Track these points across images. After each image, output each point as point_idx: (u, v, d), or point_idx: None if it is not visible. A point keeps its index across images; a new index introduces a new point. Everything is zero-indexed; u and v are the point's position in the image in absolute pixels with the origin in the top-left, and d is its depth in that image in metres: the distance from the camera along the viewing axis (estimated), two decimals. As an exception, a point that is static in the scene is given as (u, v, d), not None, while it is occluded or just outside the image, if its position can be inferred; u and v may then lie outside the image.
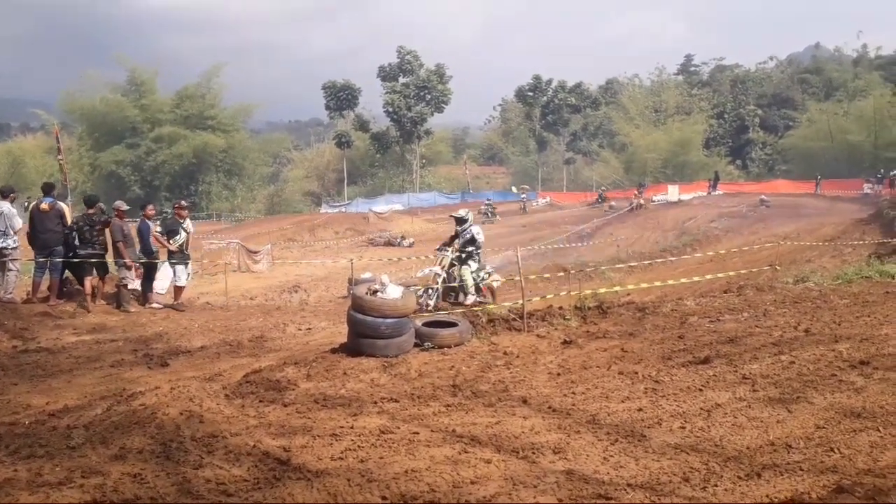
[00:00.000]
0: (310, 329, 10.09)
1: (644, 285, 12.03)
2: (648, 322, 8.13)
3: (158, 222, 11.99)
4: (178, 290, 11.98)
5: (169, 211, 13.31)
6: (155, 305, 11.73)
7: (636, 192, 40.00)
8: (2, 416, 5.40)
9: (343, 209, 51.39)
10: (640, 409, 4.82)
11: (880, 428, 4.22)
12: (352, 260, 14.17)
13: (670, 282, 12.12)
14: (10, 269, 10.84)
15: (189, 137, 53.63)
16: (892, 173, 36.51)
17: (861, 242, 16.51)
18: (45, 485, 3.69)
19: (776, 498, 3.09)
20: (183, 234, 11.74)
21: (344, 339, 7.25)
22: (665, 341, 7.06)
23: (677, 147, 61.07)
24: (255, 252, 22.99)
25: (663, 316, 8.48)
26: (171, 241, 11.66)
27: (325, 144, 75.89)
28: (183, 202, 12.76)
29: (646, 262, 15.83)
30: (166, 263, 12.13)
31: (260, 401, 5.47)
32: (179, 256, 11.78)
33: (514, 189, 50.59)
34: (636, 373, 5.82)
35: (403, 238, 30.00)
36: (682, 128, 62.91)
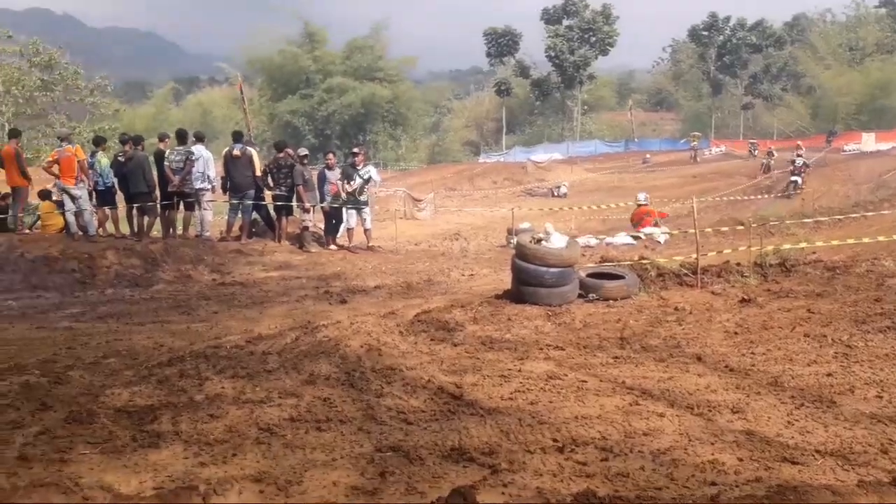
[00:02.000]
0: (472, 275, 10.36)
1: (834, 243, 10.95)
2: (839, 283, 7.43)
3: (338, 169, 12.76)
4: (349, 232, 12.75)
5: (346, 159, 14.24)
6: (332, 247, 12.60)
7: (795, 158, 32.68)
8: (208, 339, 6.14)
9: (501, 158, 51.50)
10: (829, 375, 4.47)
11: None
12: (512, 209, 14.24)
13: (865, 240, 10.91)
14: (205, 209, 12.13)
15: (357, 88, 55.94)
16: None
17: None
18: (248, 401, 4.18)
19: None
20: (358, 179, 12.40)
21: (506, 287, 7.38)
22: (858, 304, 6.43)
23: (876, 90, 53.88)
24: (419, 200, 23.83)
25: (856, 276, 7.70)
26: (344, 187, 12.36)
27: (485, 93, 75.87)
28: (355, 149, 13.45)
29: (836, 218, 14.36)
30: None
31: (431, 339, 5.76)
32: (353, 201, 12.49)
33: (690, 138, 47.33)
34: (825, 336, 5.38)
35: (558, 187, 29.53)
36: (882, 67, 55.23)
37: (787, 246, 9.28)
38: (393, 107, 59.14)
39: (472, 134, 72.89)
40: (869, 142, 39.85)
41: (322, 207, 12.71)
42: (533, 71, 60.37)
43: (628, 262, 8.07)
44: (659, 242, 13.52)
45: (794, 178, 23.27)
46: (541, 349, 5.28)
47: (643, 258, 8.37)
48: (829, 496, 1.99)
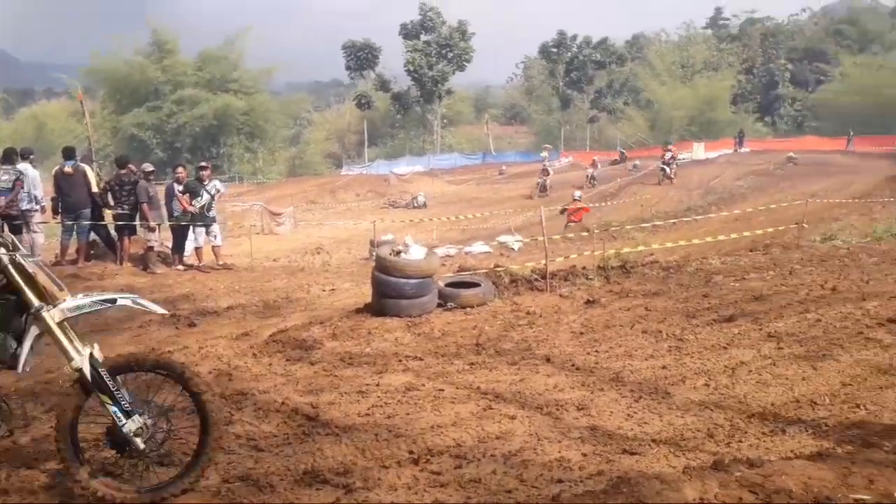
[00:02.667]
0: (334, 290, 10.19)
1: (668, 245, 11.93)
2: (673, 281, 8.09)
3: (183, 185, 12.05)
4: (197, 251, 12.13)
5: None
6: (179, 267, 11.90)
7: (664, 153, 37.04)
8: (37, 375, 5.56)
9: (364, 171, 51.37)
10: (663, 367, 4.83)
11: (907, 385, 4.18)
12: (374, 222, 14.23)
13: (695, 241, 12.00)
14: (35, 232, 11.03)
15: (210, 100, 53.61)
16: (926, 129, 35.47)
17: (891, 200, 16.15)
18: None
19: (801, 453, 3.09)
20: (205, 195, 11.82)
21: (367, 300, 7.33)
22: (689, 300, 7.03)
23: (704, 104, 59.65)
24: (278, 214, 23.16)
25: (688, 275, 8.43)
26: (192, 203, 11.74)
27: (346, 105, 75.44)
28: (203, 163, 12.82)
29: (670, 222, 15.67)
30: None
31: (287, 359, 5.59)
32: (201, 217, 11.89)
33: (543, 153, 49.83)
34: (660, 331, 5.81)
35: (415, 198, 29.91)
36: (709, 84, 61.32)
37: (626, 249, 9.98)
38: (249, 119, 57.22)
39: (334, 146, 72.15)
40: (699, 151, 43.92)
41: (170, 225, 11.99)
42: (393, 85, 60.86)
43: (484, 270, 8.31)
44: (513, 249, 14.06)
45: (662, 167, 29.16)
46: (400, 361, 5.28)
47: (498, 266, 8.66)
48: (658, 485, 2.13)
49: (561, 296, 7.50)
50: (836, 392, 4.10)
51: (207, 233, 12.05)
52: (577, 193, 19.03)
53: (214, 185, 12.17)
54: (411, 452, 3.43)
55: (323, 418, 4.05)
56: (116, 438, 2.87)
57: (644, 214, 19.61)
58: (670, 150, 30.93)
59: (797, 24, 77.22)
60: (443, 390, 4.44)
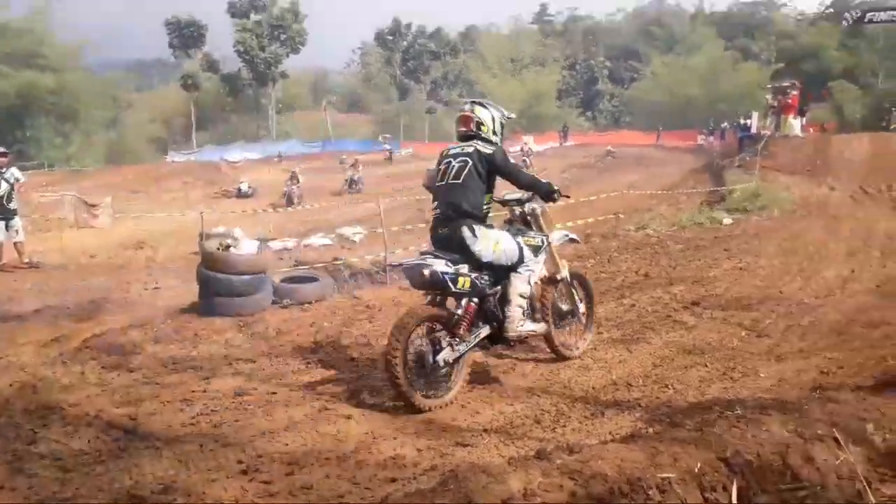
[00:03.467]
0: (157, 288, 9.47)
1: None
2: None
3: None
4: (-1, 246, 10.74)
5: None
6: (-24, 267, 10.48)
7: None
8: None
9: (192, 158, 48.26)
10: (497, 356, 5.01)
11: (707, 363, 4.69)
12: (202, 213, 13.37)
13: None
14: None
15: (11, 76, 47.43)
16: (722, 125, 39.93)
17: (694, 191, 18.04)
18: None
19: (618, 434, 3.34)
20: (3, 185, 10.48)
21: (195, 299, 6.90)
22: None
23: (532, 98, 62.81)
24: (95, 205, 21.04)
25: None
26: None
27: (171, 87, 70.38)
28: (2, 149, 11.35)
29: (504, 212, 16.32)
30: None
31: (102, 367, 5.12)
32: (1, 211, 10.53)
33: (381, 139, 49.77)
34: (493, 320, 6.02)
35: (238, 188, 28.62)
36: (536, 79, 64.71)
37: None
38: (59, 99, 51.43)
39: (159, 131, 67.06)
40: (529, 144, 46.26)
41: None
42: (222, 66, 57.68)
43: (323, 265, 8.14)
44: (354, 242, 13.92)
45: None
46: (230, 364, 5.02)
47: (337, 259, 8.52)
48: (484, 478, 2.18)
49: (401, 288, 7.54)
50: (648, 373, 4.50)
51: (7, 227, 10.69)
52: None
53: (13, 172, 10.81)
54: (240, 462, 3.26)
55: (142, 431, 3.74)
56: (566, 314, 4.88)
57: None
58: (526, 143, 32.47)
59: (613, 24, 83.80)
60: (276, 393, 4.27)
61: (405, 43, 61.32)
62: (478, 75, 66.88)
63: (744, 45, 66.83)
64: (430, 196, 4.56)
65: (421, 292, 4.28)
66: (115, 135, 60.55)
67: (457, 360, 4.01)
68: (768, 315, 6.10)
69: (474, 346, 4.16)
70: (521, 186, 4.63)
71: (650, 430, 3.23)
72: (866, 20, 33.10)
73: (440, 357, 3.91)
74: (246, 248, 6.73)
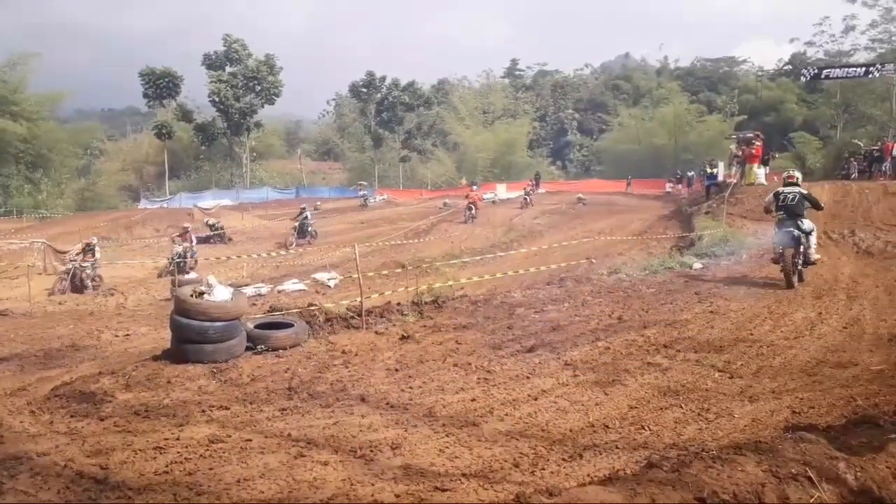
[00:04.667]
0: (128, 335, 9.32)
1: (475, 279, 12.50)
2: (480, 314, 8.47)
3: None
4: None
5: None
6: (-64, 316, 10.21)
7: (470, 192, 41.78)
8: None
9: (164, 205, 47.95)
10: (473, 400, 5.00)
11: (682, 404, 4.73)
12: (173, 260, 13.24)
13: (499, 275, 12.71)
14: None
15: (-18, 124, 46.99)
16: (689, 173, 41.00)
17: (664, 236, 18.39)
18: None
19: (596, 476, 3.35)
20: (-29, 233, 10.32)
21: (167, 345, 6.78)
22: (496, 332, 7.40)
23: (504, 147, 64.04)
24: (64, 252, 20.74)
25: (493, 308, 8.89)
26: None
27: (144, 135, 70.25)
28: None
29: (477, 258, 16.45)
30: None
31: (72, 416, 4.99)
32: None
33: (357, 186, 50.04)
34: (470, 364, 6.04)
35: (212, 227, 28.41)
36: (508, 129, 66.09)
37: (438, 284, 10.29)
38: (31, 147, 51.00)
39: (131, 178, 66.63)
40: (502, 191, 46.88)
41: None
42: (196, 115, 57.84)
43: (297, 310, 8.08)
44: (329, 287, 13.88)
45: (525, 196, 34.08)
46: (203, 411, 4.92)
47: (312, 304, 8.47)
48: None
49: (377, 332, 7.51)
50: (624, 415, 4.52)
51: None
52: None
53: None
54: (215, 511, 3.19)
55: (113, 480, 3.65)
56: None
57: (454, 250, 20.41)
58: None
59: (581, 78, 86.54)
60: (251, 440, 4.19)
61: (379, 95, 62.23)
62: (451, 126, 68.14)
63: (708, 98, 69.40)
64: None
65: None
66: (85, 182, 60.04)
67: (804, 263, 10.13)
68: (740, 357, 6.20)
69: (802, 263, 10.07)
70: (817, 207, 10.52)
71: (628, 470, 3.24)
72: (822, 76, 34.72)
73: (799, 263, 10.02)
74: (219, 294, 6.66)
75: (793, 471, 2.66)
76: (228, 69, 55.75)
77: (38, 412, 5.07)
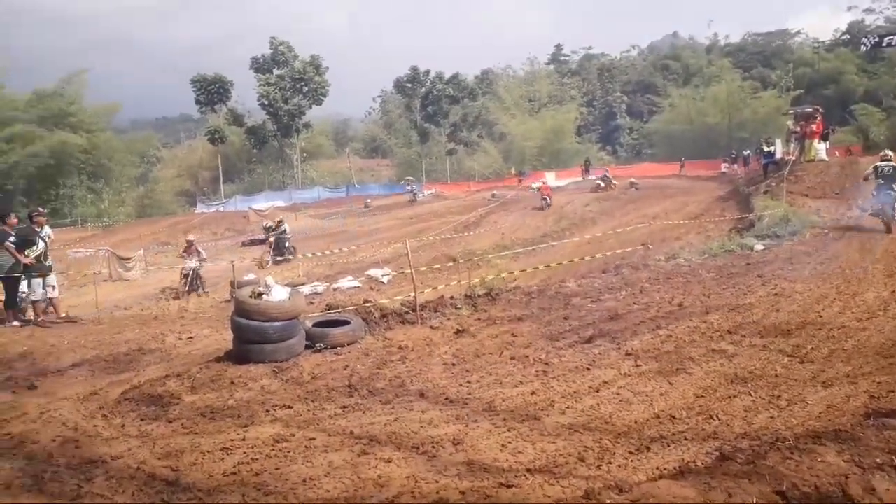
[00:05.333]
0: (191, 338, 9.57)
1: (528, 270, 12.38)
2: (535, 305, 8.38)
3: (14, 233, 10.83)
4: (35, 304, 10.98)
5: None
6: (16, 323, 10.69)
7: (518, 180, 42.40)
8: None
9: (220, 208, 49.25)
10: (533, 393, 4.94)
11: (751, 392, 4.56)
12: (233, 262, 13.58)
13: (552, 265, 12.57)
14: None
15: (45, 137, 49.16)
16: (744, 152, 39.71)
17: (722, 218, 17.86)
18: None
19: (665, 469, 3.25)
20: (41, 244, 10.76)
21: (229, 346, 6.94)
22: (552, 323, 7.30)
23: (551, 135, 63.37)
24: (127, 259, 21.56)
25: (548, 298, 8.77)
26: (26, 253, 10.62)
27: (198, 141, 72.35)
28: (41, 208, 11.70)
29: (529, 248, 16.31)
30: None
31: (142, 419, 5.14)
32: (38, 268, 10.79)
33: (404, 182, 50.46)
34: (527, 356, 5.97)
35: (264, 224, 28.40)
36: (555, 116, 65.36)
37: (490, 277, 10.23)
38: (91, 157, 53.10)
39: (187, 184, 68.72)
40: (551, 179, 46.41)
41: (1, 279, 10.74)
42: (247, 119, 59.15)
43: (353, 307, 8.15)
44: (383, 283, 13.99)
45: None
46: (267, 411, 5.01)
47: (367, 301, 8.54)
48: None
49: (432, 327, 7.51)
50: (691, 405, 4.39)
51: (44, 285, 10.94)
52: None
53: (46, 231, 11.12)
54: (284, 511, 3.23)
55: (184, 482, 3.74)
56: None
57: (505, 242, 20.30)
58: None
59: (628, 60, 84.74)
60: (314, 439, 4.24)
61: (424, 89, 62.31)
62: (497, 116, 67.80)
63: (761, 74, 66.99)
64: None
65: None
66: (144, 189, 62.18)
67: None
68: (810, 340, 5.95)
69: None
70: None
71: (699, 463, 3.13)
72: (884, 44, 33.05)
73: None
74: (277, 294, 6.78)
75: (878, 460, 2.52)
76: (276, 72, 56.75)
77: (111, 416, 5.24)
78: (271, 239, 21.94)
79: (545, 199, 30.45)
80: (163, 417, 5.12)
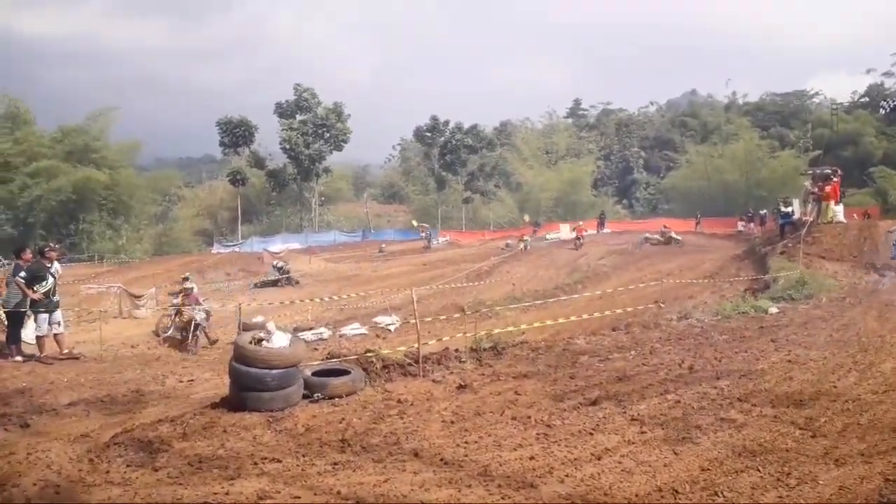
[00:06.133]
0: (192, 381, 9.47)
1: (537, 324, 12.20)
2: (541, 362, 8.19)
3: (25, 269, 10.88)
4: (39, 340, 10.95)
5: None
6: (18, 358, 10.65)
7: (533, 230, 42.84)
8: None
9: (237, 249, 49.61)
10: (531, 458, 4.75)
11: (760, 467, 4.35)
12: (240, 304, 13.55)
13: (561, 320, 12.38)
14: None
15: (69, 172, 50.18)
16: (761, 212, 39.50)
17: (737, 279, 17.61)
18: None
19: (662, 552, 3.06)
20: (50, 279, 10.80)
21: (228, 392, 6.82)
22: (557, 381, 7.11)
23: (568, 187, 63.73)
24: (139, 296, 21.62)
25: (556, 355, 8.59)
26: (34, 289, 10.65)
27: (219, 181, 73.53)
28: (52, 244, 11.79)
29: (538, 302, 16.15)
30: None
31: (128, 465, 5.00)
32: (45, 304, 10.80)
33: (413, 223, 50.71)
34: (529, 417, 5.78)
35: (275, 264, 29.23)
36: (572, 168, 65.84)
37: (497, 330, 10.07)
38: (112, 194, 54.01)
39: (206, 223, 69.53)
40: (566, 231, 46.40)
41: (6, 313, 10.78)
42: (268, 162, 60.14)
43: (354, 356, 8.02)
44: (389, 331, 13.85)
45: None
46: (255, 463, 4.85)
47: (369, 350, 8.40)
48: None
49: (434, 381, 7.35)
50: (695, 478, 4.18)
51: (50, 321, 10.93)
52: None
53: (56, 266, 11.17)
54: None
55: (160, 538, 3.58)
56: None
57: (516, 293, 20.14)
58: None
59: (646, 116, 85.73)
60: (299, 497, 4.08)
61: (443, 138, 63.18)
62: (514, 167, 68.42)
63: (779, 133, 67.28)
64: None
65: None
66: (162, 227, 62.95)
67: None
68: (823, 412, 5.72)
69: None
70: None
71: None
72: (904, 108, 33.17)
73: None
74: (278, 341, 6.67)
75: (891, 559, 2.33)
76: (299, 117, 57.88)
77: (97, 460, 5.11)
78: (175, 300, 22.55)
79: (579, 239, 33.76)
80: (149, 465, 4.98)
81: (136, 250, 52.65)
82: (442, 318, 13.97)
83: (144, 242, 57.02)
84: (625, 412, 5.80)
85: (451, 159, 62.75)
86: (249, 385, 6.37)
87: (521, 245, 35.38)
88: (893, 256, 13.69)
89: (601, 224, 45.71)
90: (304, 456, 4.99)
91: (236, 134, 56.61)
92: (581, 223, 41.86)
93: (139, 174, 61.15)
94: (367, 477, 4.44)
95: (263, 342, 6.62)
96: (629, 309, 13.34)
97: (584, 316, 12.63)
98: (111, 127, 56.62)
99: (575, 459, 4.68)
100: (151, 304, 21.02)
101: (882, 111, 38.20)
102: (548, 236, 44.89)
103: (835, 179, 23.37)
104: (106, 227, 53.48)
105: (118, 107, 60.33)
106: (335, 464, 4.77)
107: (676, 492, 3.99)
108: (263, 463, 4.85)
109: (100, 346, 12.66)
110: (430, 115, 63.41)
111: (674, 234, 33.94)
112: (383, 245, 45.43)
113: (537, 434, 5.30)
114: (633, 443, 4.98)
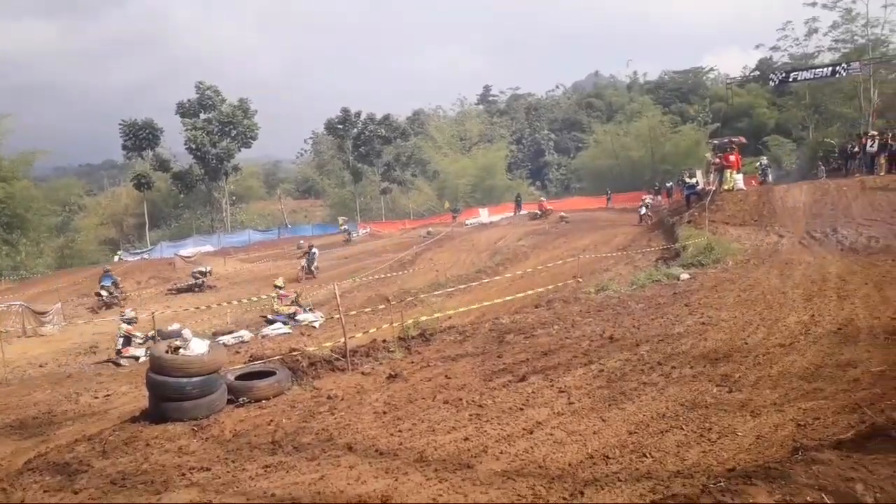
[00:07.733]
0: (108, 396, 8.99)
1: (462, 308, 12.29)
2: (469, 344, 8.26)
3: None
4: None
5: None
6: None
7: (452, 217, 43.40)
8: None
9: (145, 255, 47.39)
10: (466, 439, 4.78)
11: (683, 426, 4.54)
12: (153, 313, 12.96)
13: (486, 303, 12.51)
14: None
15: (-45, 188, 46.37)
16: (667, 184, 41.16)
17: (649, 249, 18.31)
18: None
19: (598, 516, 3.13)
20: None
21: (147, 405, 6.51)
22: (486, 362, 7.19)
23: (483, 172, 64.42)
24: (43, 313, 20.33)
25: (483, 337, 8.68)
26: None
27: (121, 187, 69.95)
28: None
29: (463, 286, 16.25)
30: None
31: (45, 490, 4.71)
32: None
33: (340, 220, 49.86)
34: (461, 399, 5.81)
35: (203, 274, 28.12)
36: (486, 154, 66.61)
37: (424, 317, 10.07)
38: (6, 207, 50.36)
39: (111, 232, 66.01)
40: (485, 215, 46.90)
41: None
42: (174, 164, 57.58)
43: (279, 357, 7.82)
44: (314, 328, 13.60)
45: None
46: (183, 475, 4.66)
47: (294, 349, 8.22)
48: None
49: (363, 373, 7.28)
50: (624, 442, 4.31)
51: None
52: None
53: None
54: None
55: (83, 564, 3.38)
56: None
57: (440, 279, 20.19)
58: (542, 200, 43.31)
59: (554, 99, 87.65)
60: (232, 504, 3.94)
61: (355, 130, 62.36)
62: (429, 155, 68.51)
63: (680, 109, 70.31)
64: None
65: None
66: (64, 239, 59.36)
67: None
68: (737, 368, 6.03)
69: None
70: None
71: (633, 507, 3.03)
72: (790, 80, 35.31)
73: None
74: (196, 348, 6.42)
75: (808, 498, 2.47)
76: (203, 116, 55.69)
77: (11, 489, 4.79)
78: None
79: (543, 213, 36.29)
80: (69, 488, 4.70)
81: (37, 265, 49.37)
82: (367, 310, 13.84)
83: (46, 256, 53.52)
84: (552, 385, 5.92)
85: (366, 150, 62.06)
86: (169, 395, 6.12)
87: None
88: None
89: (518, 206, 46.44)
90: (233, 462, 4.83)
91: (140, 136, 53.80)
92: (543, 199, 45.16)
93: (37, 185, 57.24)
94: (301, 476, 4.34)
95: (180, 350, 6.36)
96: (550, 286, 13.63)
97: (507, 298, 12.82)
98: (5, 137, 52.66)
99: (508, 436, 4.73)
100: (59, 318, 19.83)
101: (772, 83, 40.56)
102: (467, 222, 45.27)
103: (735, 150, 24.63)
104: (1, 243, 49.90)
105: (9, 114, 55.90)
106: (267, 467, 4.64)
107: (607, 457, 4.10)
108: (191, 473, 4.66)
109: (3, 368, 11.82)
110: (342, 108, 62.46)
111: (563, 213, 36.53)
112: (302, 241, 44.51)
113: (470, 415, 5.34)
114: (563, 414, 5.09)
